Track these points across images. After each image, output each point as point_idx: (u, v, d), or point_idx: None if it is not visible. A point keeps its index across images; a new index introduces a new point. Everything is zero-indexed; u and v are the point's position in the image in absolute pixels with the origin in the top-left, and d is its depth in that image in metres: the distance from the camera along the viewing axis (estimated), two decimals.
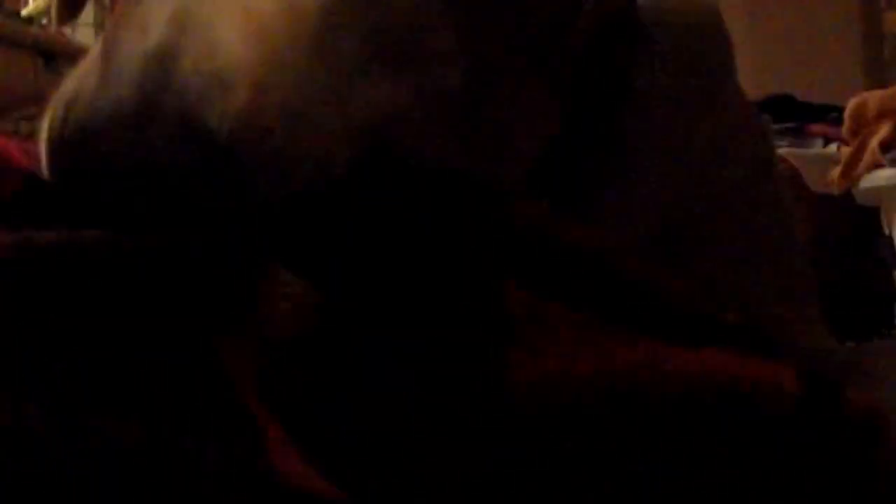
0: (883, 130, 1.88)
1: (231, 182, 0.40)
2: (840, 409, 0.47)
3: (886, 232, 1.96)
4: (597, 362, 0.43)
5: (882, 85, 2.81)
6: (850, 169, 1.88)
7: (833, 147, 2.13)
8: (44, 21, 3.26)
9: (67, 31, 3.30)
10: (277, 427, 0.41)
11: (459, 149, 0.51)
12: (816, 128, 2.26)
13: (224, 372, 0.41)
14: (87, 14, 3.38)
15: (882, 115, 1.90)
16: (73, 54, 3.05)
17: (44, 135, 0.43)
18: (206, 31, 0.41)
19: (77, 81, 0.43)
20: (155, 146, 0.39)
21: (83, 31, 3.41)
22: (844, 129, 1.93)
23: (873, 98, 1.92)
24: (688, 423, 0.44)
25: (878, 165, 1.85)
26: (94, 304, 0.38)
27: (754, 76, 3.15)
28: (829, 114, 2.29)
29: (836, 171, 1.92)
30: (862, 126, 1.90)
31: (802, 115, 2.35)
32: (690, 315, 0.52)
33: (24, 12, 3.33)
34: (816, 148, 2.17)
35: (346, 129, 0.44)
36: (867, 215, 1.97)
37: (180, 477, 0.37)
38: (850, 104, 1.92)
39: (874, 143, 1.86)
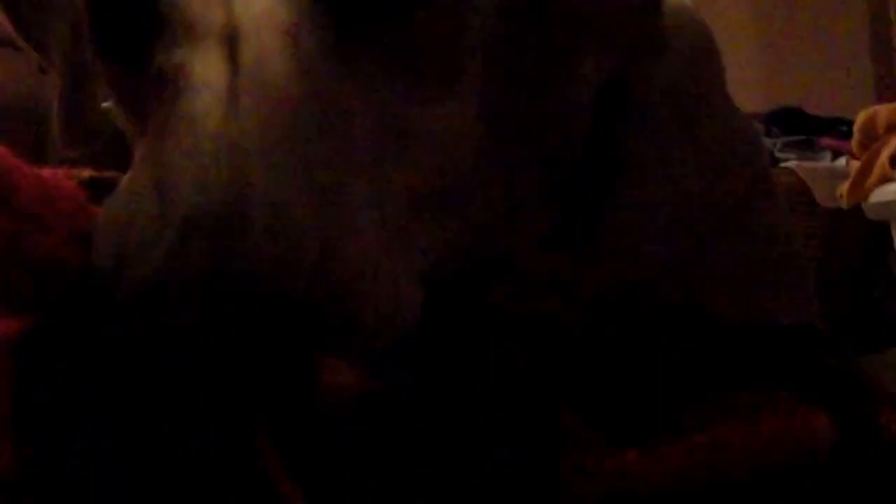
0: (893, 144, 1.89)
1: (305, 338, 0.39)
2: (876, 439, 0.48)
3: None
4: (651, 460, 0.44)
5: (891, 98, 2.82)
6: (860, 183, 1.89)
7: (842, 160, 2.13)
8: None
9: None
10: None
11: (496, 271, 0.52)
12: (825, 141, 2.26)
13: (258, 456, 0.40)
14: None
15: (891, 128, 1.90)
16: None
17: (91, 280, 0.42)
18: (265, 183, 0.40)
19: (125, 225, 0.42)
20: (227, 306, 0.38)
21: None
22: (854, 143, 1.93)
23: (883, 111, 1.92)
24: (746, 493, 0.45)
25: (887, 179, 1.84)
26: (143, 390, 0.37)
27: (764, 89, 3.16)
28: (839, 127, 2.29)
29: (845, 185, 1.92)
30: (871, 139, 1.90)
31: (811, 128, 2.35)
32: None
33: None
34: (825, 161, 2.17)
35: (410, 277, 0.44)
36: (877, 230, 1.97)
37: None
38: (860, 117, 1.92)
39: (884, 156, 1.87)
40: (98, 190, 0.51)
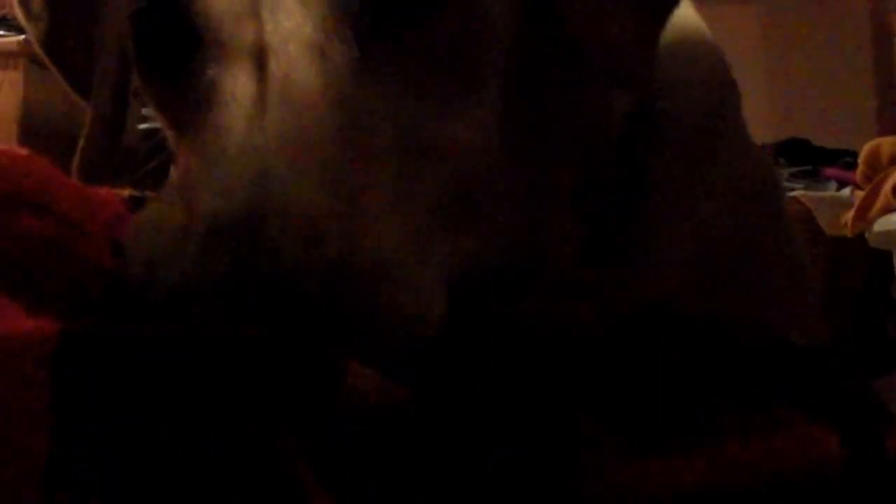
0: None
1: (327, 336, 0.40)
2: (885, 460, 0.49)
3: None
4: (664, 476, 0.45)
5: (894, 130, 2.84)
6: (864, 212, 1.91)
7: (847, 190, 2.16)
8: None
9: None
10: None
11: (523, 282, 0.53)
12: (831, 171, 2.29)
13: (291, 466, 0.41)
14: None
15: (895, 159, 1.93)
16: None
17: (122, 288, 0.43)
18: (287, 187, 0.41)
19: (155, 232, 0.43)
20: (252, 308, 0.39)
21: None
22: (858, 173, 1.96)
23: (887, 143, 1.95)
24: None
25: (890, 209, 1.87)
26: (172, 395, 0.38)
27: (772, 121, 3.19)
28: (843, 158, 2.32)
29: (849, 214, 1.95)
30: (876, 170, 1.93)
31: (817, 159, 2.38)
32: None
33: None
34: (830, 191, 2.20)
35: (434, 282, 0.45)
36: (880, 258, 1.99)
37: None
38: (865, 149, 1.95)
39: (887, 187, 1.89)
40: (137, 208, 0.53)
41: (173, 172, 0.49)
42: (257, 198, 0.41)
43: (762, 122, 3.59)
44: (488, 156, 0.50)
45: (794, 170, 2.30)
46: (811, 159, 2.36)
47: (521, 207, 0.53)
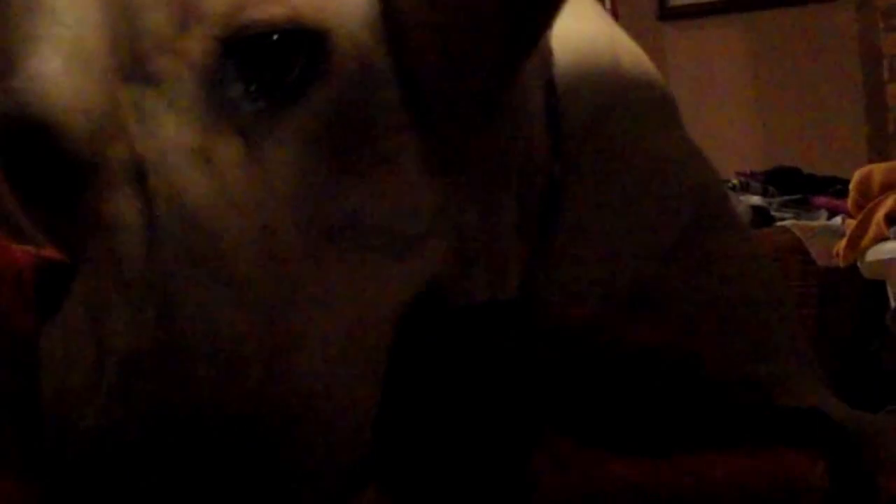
0: (888, 202, 1.88)
1: (255, 464, 0.38)
2: (873, 497, 0.48)
3: (892, 305, 1.95)
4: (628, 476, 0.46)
5: (885, 157, 2.82)
6: (856, 241, 1.88)
7: (838, 219, 2.13)
8: None
9: None
10: None
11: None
12: (821, 200, 2.26)
13: None
14: None
15: (887, 186, 1.90)
16: None
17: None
18: (200, 311, 0.39)
19: (65, 368, 0.41)
20: (172, 449, 0.37)
21: None
22: (850, 201, 1.93)
23: (878, 170, 1.92)
24: None
25: (883, 238, 1.84)
26: None
27: (760, 147, 3.17)
28: (834, 186, 2.29)
29: (841, 244, 1.91)
30: (867, 198, 1.90)
31: (807, 187, 2.35)
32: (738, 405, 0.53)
33: None
34: (821, 220, 2.17)
35: (367, 381, 0.43)
36: (873, 287, 1.96)
37: None
38: (856, 176, 1.92)
39: (880, 215, 1.86)
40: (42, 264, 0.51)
41: (72, 294, 0.44)
42: (169, 329, 0.38)
43: (751, 150, 3.59)
44: (420, 207, 0.47)
45: (784, 199, 2.28)
46: (801, 187, 2.34)
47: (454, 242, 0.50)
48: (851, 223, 1.96)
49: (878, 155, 2.98)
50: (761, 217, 2.22)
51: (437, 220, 0.48)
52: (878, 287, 1.95)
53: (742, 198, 2.30)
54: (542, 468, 0.45)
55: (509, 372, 0.49)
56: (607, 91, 0.65)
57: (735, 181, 2.45)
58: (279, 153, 0.43)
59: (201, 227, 0.40)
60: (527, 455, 0.45)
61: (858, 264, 1.92)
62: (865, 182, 1.91)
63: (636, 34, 0.72)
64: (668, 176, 0.69)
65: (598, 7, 0.75)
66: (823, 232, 1.95)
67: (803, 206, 2.26)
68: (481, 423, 0.46)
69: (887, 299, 1.94)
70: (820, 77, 3.19)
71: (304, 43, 0.43)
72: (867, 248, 1.90)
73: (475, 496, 0.44)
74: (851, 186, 1.92)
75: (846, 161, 2.65)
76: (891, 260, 1.90)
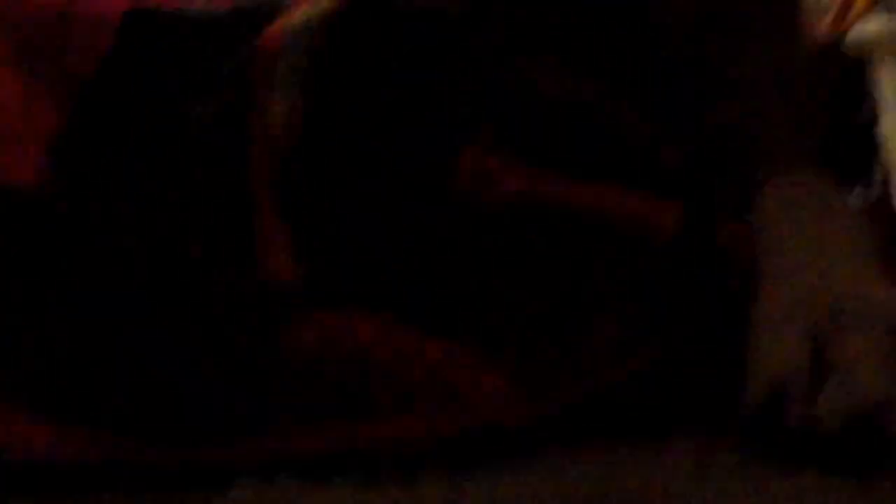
0: None
1: None
2: (709, 245, 0.65)
3: (874, 79, 1.91)
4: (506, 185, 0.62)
5: None
6: (840, 17, 1.93)
7: None
8: None
9: None
10: (282, 231, 0.60)
11: None
12: None
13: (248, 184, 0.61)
14: None
15: None
16: None
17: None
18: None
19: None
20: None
21: None
22: None
23: None
24: (563, 244, 0.63)
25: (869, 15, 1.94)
26: None
27: None
28: None
29: (826, 19, 1.90)
30: None
31: None
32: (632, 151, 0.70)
33: None
34: None
35: None
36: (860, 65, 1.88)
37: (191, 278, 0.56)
38: None
39: None
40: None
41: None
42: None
43: None
44: None
45: None
46: None
47: None
48: None
49: None
50: None
51: None
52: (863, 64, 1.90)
53: None
54: (465, 166, 0.61)
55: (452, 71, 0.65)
56: None
57: None
58: None
59: None
60: (455, 149, 0.62)
61: (844, 42, 1.92)
62: None
63: None
64: None
65: None
66: (810, 6, 1.80)
67: None
68: (415, 118, 0.62)
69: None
70: None
71: None
72: (852, 23, 1.96)
73: (398, 186, 0.61)
74: None
75: None
76: (875, 34, 2.01)
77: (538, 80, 0.67)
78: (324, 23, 0.67)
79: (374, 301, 0.61)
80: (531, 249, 0.62)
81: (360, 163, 0.63)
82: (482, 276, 0.62)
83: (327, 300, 0.62)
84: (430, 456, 0.65)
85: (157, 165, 0.64)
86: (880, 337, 0.63)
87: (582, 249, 0.63)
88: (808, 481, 0.61)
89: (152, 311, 0.62)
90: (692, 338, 0.66)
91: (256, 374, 0.62)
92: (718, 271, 0.66)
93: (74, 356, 0.62)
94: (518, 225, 0.62)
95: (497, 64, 0.66)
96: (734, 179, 0.72)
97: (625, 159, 0.68)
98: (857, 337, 0.63)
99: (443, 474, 0.65)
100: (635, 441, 0.66)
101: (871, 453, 0.61)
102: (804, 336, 0.65)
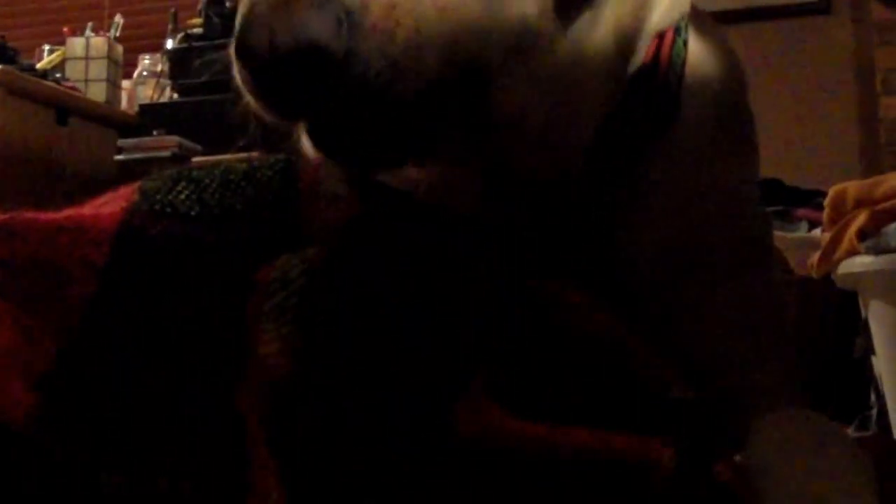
0: (861, 218, 1.95)
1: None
2: (709, 481, 0.60)
3: (864, 315, 2.02)
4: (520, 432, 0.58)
5: (878, 169, 2.89)
6: (829, 255, 1.96)
7: (817, 231, 2.20)
8: (57, 75, 3.31)
9: (80, 86, 3.36)
10: (273, 477, 0.57)
11: None
12: (802, 212, 2.34)
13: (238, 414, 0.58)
14: (101, 70, 3.43)
15: (860, 202, 1.97)
16: (86, 110, 3.09)
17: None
18: None
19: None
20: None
21: (95, 88, 3.43)
22: (824, 217, 2.00)
23: (852, 187, 2.00)
24: (568, 484, 0.58)
25: (855, 253, 1.91)
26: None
27: None
28: (815, 198, 2.36)
29: (815, 256, 1.99)
30: (841, 214, 1.97)
31: (790, 199, 2.43)
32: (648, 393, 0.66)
33: (38, 66, 3.38)
34: (802, 231, 2.24)
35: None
36: (850, 299, 2.03)
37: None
38: (830, 193, 1.99)
39: (852, 230, 1.94)
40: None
41: None
42: None
43: None
44: None
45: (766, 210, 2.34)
46: (783, 199, 2.41)
47: None
48: (826, 237, 2.04)
49: (870, 167, 3.05)
50: None
51: None
52: (853, 296, 2.03)
53: None
54: (463, 415, 0.57)
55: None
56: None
57: None
58: None
59: None
60: (453, 397, 0.57)
61: (832, 276, 1.99)
62: (840, 199, 1.98)
63: None
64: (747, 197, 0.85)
65: None
66: (801, 244, 2.03)
67: (785, 218, 2.33)
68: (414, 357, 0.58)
69: (860, 310, 2.01)
70: (814, 89, 3.25)
71: None
72: (840, 261, 1.97)
73: (397, 433, 0.56)
74: (826, 203, 1.99)
75: (838, 171, 2.72)
76: (861, 273, 1.97)
77: (549, 310, 0.67)
78: (316, 262, 0.65)
79: None
80: (529, 494, 0.59)
81: (352, 409, 0.60)
82: None
83: None
84: None
85: (150, 403, 0.61)
86: None
87: (582, 489, 0.59)
88: None
89: None
90: None
91: None
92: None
93: None
94: (509, 467, 0.59)
95: (504, 291, 0.66)
96: (729, 415, 0.70)
97: (638, 395, 0.66)
98: None
99: None
100: None
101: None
102: None
